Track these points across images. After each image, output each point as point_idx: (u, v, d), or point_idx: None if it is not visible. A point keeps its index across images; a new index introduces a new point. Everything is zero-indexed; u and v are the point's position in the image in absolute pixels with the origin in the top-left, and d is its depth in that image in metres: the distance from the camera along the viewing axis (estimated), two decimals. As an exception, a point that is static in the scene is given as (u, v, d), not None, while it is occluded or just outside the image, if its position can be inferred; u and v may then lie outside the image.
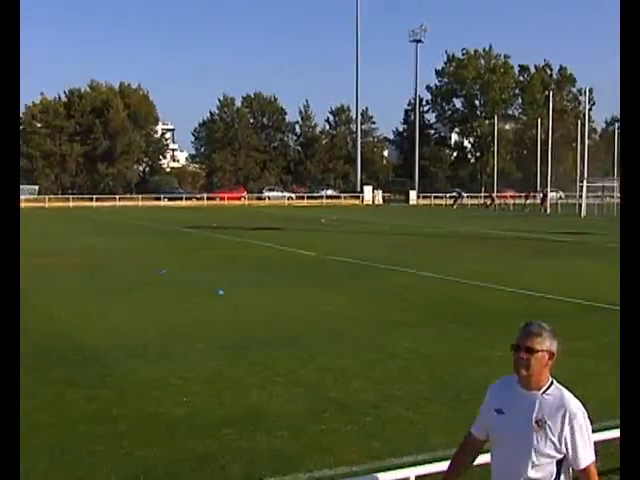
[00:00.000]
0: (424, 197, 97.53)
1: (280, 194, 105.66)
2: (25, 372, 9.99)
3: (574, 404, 3.92)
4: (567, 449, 3.89)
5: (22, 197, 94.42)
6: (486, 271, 21.33)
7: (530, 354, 3.92)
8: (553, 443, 3.89)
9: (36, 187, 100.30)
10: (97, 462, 6.88)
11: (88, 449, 7.20)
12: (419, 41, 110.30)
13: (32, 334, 12.60)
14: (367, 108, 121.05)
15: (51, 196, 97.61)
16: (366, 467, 6.66)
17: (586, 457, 3.91)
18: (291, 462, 6.91)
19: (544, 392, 3.98)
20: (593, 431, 4.02)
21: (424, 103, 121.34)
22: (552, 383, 4.01)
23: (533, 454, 3.90)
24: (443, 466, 4.55)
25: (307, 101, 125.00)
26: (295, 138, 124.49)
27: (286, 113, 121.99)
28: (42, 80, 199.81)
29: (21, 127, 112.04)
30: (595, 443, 4.05)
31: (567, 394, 3.98)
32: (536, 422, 3.91)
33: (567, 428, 3.87)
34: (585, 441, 3.90)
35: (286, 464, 6.86)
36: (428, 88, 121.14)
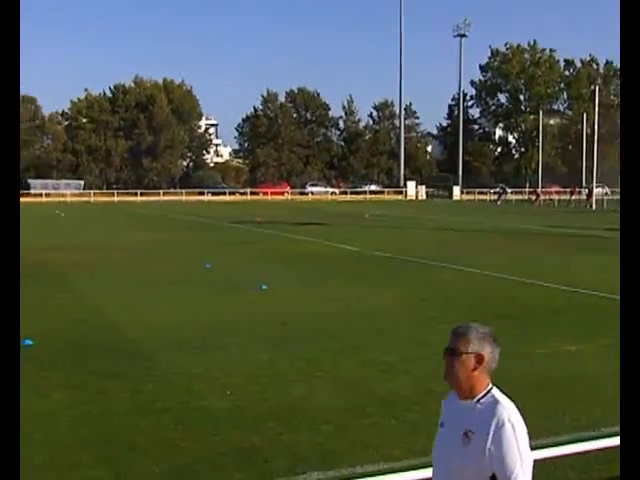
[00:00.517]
0: (467, 192, 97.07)
1: (323, 189, 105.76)
2: (73, 364, 10.18)
3: (505, 414, 3.45)
4: (493, 465, 3.41)
5: (68, 192, 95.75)
6: (530, 267, 21.15)
7: (453, 356, 3.59)
8: (481, 458, 3.43)
9: (81, 182, 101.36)
10: (141, 454, 6.93)
11: (132, 442, 7.25)
12: (463, 35, 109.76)
13: (79, 326, 12.78)
14: (411, 103, 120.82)
15: (96, 191, 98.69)
16: (409, 463, 6.64)
17: (515, 475, 3.38)
18: (334, 457, 6.90)
19: (478, 401, 3.57)
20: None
21: (468, 98, 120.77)
22: (490, 391, 3.59)
23: (464, 470, 3.49)
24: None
25: (351, 96, 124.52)
26: (338, 133, 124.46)
27: (329, 108, 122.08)
28: (87, 76, 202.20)
29: (67, 122, 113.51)
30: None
31: (502, 402, 3.52)
32: (464, 434, 3.52)
33: (494, 441, 3.41)
34: (514, 457, 3.39)
35: (329, 459, 6.85)
36: (472, 83, 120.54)
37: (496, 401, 3.53)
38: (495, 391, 3.60)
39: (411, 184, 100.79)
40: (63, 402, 8.52)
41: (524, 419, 3.53)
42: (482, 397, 3.57)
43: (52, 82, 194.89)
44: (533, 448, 3.58)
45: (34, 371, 9.80)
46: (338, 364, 10.30)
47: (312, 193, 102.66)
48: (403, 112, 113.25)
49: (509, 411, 3.48)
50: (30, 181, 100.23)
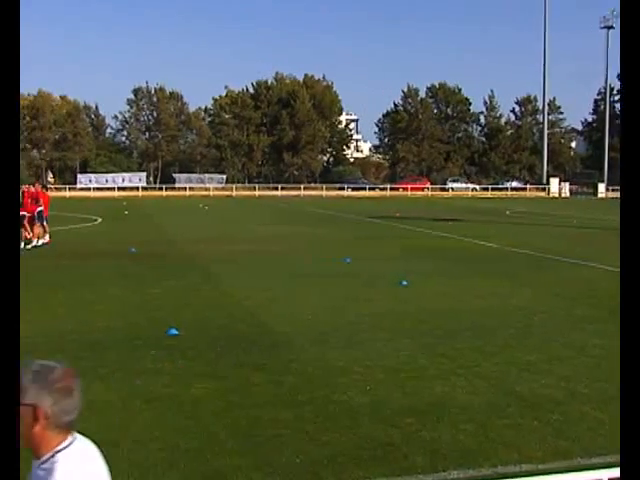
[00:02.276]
0: (613, 190, 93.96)
1: (464, 185, 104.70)
2: (218, 355, 10.42)
3: None
4: None
5: (211, 186, 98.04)
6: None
7: None
8: None
9: (224, 176, 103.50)
10: (283, 445, 7.03)
11: (274, 432, 7.37)
12: (610, 27, 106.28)
13: (224, 318, 13.08)
14: (554, 98, 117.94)
15: (238, 185, 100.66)
16: (553, 466, 6.51)
17: None
18: (474, 456, 6.83)
19: (41, 464, 2.82)
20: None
21: (615, 92, 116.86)
22: (55, 454, 2.80)
23: None
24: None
25: (492, 91, 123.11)
26: (479, 129, 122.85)
27: (470, 103, 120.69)
28: (228, 74, 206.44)
29: (210, 118, 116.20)
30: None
31: (59, 472, 2.76)
32: None
33: None
34: None
35: (469, 457, 6.79)
36: (619, 76, 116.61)
37: (54, 468, 2.78)
38: (62, 455, 2.83)
39: (554, 181, 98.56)
40: (207, 391, 8.74)
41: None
42: (45, 461, 2.83)
43: (196, 79, 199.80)
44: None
45: (179, 361, 10.10)
46: (480, 362, 10.19)
47: (452, 189, 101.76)
48: (547, 107, 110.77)
49: None
50: (175, 175, 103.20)
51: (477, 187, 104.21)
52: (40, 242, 25.67)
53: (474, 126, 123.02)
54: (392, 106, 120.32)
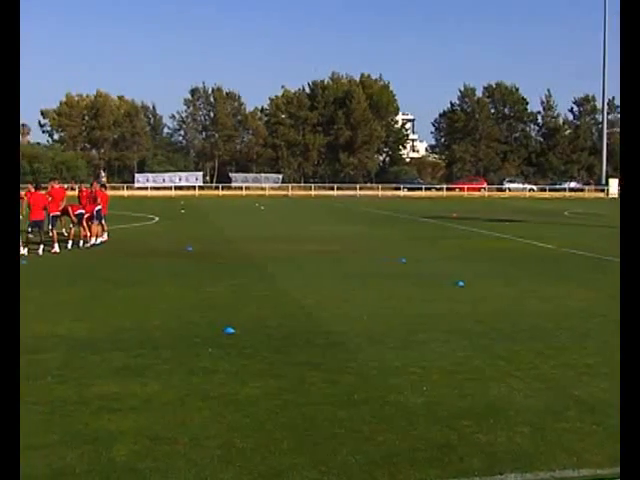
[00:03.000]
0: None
1: (521, 186, 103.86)
2: (273, 353, 10.46)
3: None
4: None
5: (267, 185, 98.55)
6: None
7: None
8: None
9: (280, 176, 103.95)
10: (339, 444, 7.03)
11: (330, 431, 7.37)
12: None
13: (280, 317, 13.12)
14: (614, 97, 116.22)
15: (294, 184, 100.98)
16: (611, 471, 6.41)
17: None
18: (531, 459, 6.75)
19: None
20: None
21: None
22: None
23: None
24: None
25: (549, 91, 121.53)
26: (537, 129, 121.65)
27: (528, 103, 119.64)
28: (285, 74, 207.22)
29: (266, 118, 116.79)
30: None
31: None
32: None
33: None
34: None
35: (526, 461, 6.71)
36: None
37: None
38: None
39: (613, 182, 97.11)
40: (263, 390, 8.77)
41: None
42: None
43: (253, 79, 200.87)
44: None
45: (236, 359, 10.15)
46: (537, 364, 10.08)
47: (509, 189, 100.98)
48: (606, 107, 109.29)
49: None
50: (232, 175, 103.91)
51: (534, 188, 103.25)
52: (98, 240, 26.01)
53: (531, 126, 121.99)
54: (449, 106, 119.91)
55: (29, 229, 22.80)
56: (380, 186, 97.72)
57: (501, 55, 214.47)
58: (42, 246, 22.95)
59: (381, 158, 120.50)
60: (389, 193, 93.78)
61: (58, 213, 25.14)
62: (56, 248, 23.43)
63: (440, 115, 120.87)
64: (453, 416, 7.87)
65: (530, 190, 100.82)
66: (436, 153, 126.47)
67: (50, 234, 24.03)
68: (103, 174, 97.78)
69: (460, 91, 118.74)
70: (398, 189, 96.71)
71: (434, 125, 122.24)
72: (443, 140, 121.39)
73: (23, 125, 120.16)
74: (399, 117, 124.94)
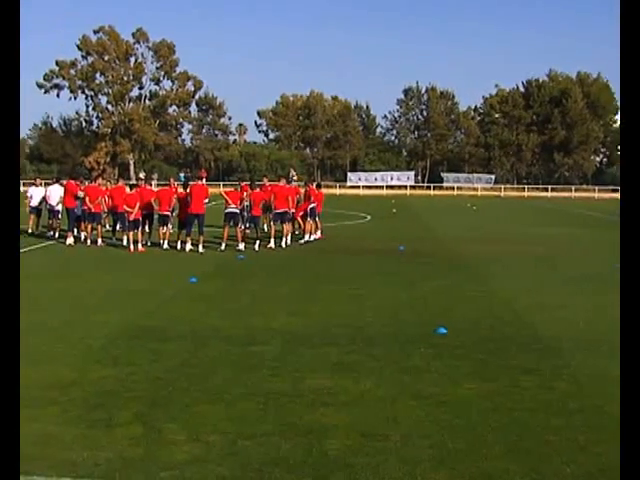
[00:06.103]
0: None
1: None
2: (485, 356, 10.35)
3: None
4: None
5: (479, 186, 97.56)
6: None
7: None
8: None
9: (492, 176, 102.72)
10: (552, 453, 6.86)
11: (543, 438, 7.21)
12: None
13: (491, 319, 12.99)
14: None
15: (506, 185, 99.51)
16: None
17: None
18: None
19: None
20: None
21: None
22: None
23: None
24: None
25: None
26: None
27: None
28: (499, 72, 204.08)
29: (479, 117, 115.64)
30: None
31: None
32: None
33: None
34: None
35: None
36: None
37: None
38: None
39: None
40: (475, 392, 8.70)
41: None
42: None
43: (466, 78, 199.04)
44: None
45: (448, 359, 10.13)
46: None
47: None
48: None
49: None
50: (443, 175, 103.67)
51: None
52: (312, 237, 26.60)
53: None
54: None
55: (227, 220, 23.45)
56: (597, 188, 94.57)
57: None
58: (258, 242, 23.73)
59: (598, 159, 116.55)
60: (606, 195, 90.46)
61: (281, 210, 24.97)
62: (271, 244, 24.14)
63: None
64: None
65: None
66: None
67: (266, 230, 24.69)
68: (293, 173, 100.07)
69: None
70: (616, 191, 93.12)
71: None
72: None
73: (240, 125, 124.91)
74: (618, 117, 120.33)
